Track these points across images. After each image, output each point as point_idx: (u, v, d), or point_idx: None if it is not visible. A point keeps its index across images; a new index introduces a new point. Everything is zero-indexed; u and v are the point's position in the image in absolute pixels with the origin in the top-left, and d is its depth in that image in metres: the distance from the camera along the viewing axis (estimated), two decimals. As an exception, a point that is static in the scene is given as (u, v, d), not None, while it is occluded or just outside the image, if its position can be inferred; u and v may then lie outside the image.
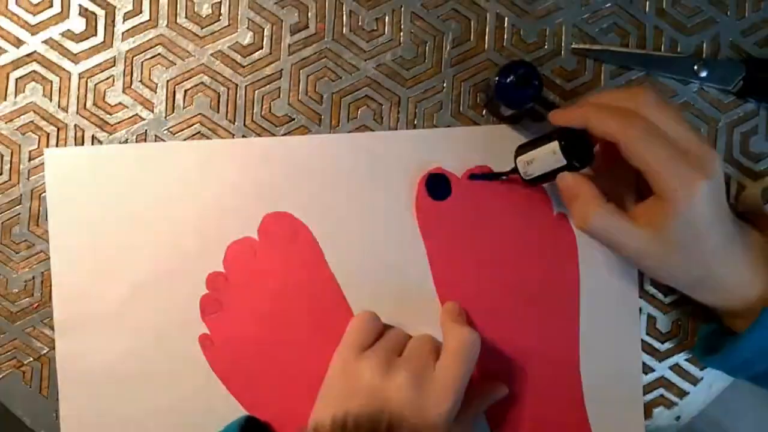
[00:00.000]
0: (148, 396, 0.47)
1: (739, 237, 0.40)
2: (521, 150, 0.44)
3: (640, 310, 0.47)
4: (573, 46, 0.47)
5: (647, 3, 0.48)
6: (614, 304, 0.47)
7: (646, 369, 0.48)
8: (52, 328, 0.46)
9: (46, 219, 0.46)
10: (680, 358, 0.48)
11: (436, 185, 0.47)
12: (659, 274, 0.42)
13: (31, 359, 0.47)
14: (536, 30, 0.47)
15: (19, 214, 0.46)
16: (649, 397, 0.47)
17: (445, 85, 0.47)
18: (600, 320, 0.47)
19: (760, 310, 0.39)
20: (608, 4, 0.48)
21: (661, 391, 0.48)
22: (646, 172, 0.38)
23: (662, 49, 0.48)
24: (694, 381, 0.48)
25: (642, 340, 0.47)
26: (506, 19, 0.47)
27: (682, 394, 0.48)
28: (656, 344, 0.48)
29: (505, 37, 0.47)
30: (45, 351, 0.46)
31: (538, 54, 0.47)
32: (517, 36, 0.47)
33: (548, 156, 0.42)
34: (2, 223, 0.46)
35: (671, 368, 0.48)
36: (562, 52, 0.47)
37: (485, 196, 0.47)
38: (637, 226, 0.39)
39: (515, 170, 0.45)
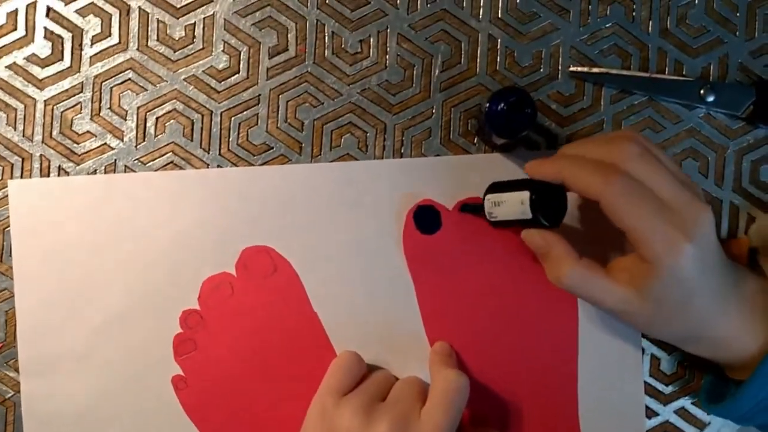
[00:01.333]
0: (119, 442, 0.44)
1: (734, 288, 0.37)
2: (493, 188, 0.41)
3: (643, 350, 0.44)
4: (570, 69, 0.44)
5: (650, 23, 0.45)
6: (615, 343, 0.44)
7: (650, 413, 0.45)
8: (16, 370, 0.44)
9: (10, 255, 0.43)
10: (686, 402, 0.45)
11: (425, 218, 0.44)
12: (645, 330, 0.39)
13: (-5, 403, 0.44)
14: (531, 52, 0.44)
15: (-18, 249, 0.44)
16: (653, 442, 0.44)
17: (434, 111, 0.44)
18: (600, 361, 0.44)
19: (759, 361, 0.36)
20: (608, 24, 0.45)
21: (666, 436, 0.45)
22: (627, 232, 0.35)
23: (666, 71, 0.45)
24: (702, 426, 0.45)
25: (645, 382, 0.44)
26: (499, 40, 0.44)
27: (688, 439, 0.45)
28: (660, 387, 0.45)
29: (498, 59, 0.44)
30: (10, 395, 0.44)
31: (534, 78, 0.44)
32: (511, 58, 0.44)
33: (516, 204, 0.39)
34: (-36, 259, 0.44)
35: (676, 412, 0.45)
36: (559, 75, 0.44)
37: (477, 230, 0.44)
38: (616, 283, 0.37)
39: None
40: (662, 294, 0.35)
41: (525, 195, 0.38)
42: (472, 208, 0.44)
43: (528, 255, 0.44)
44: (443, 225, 0.44)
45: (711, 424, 0.45)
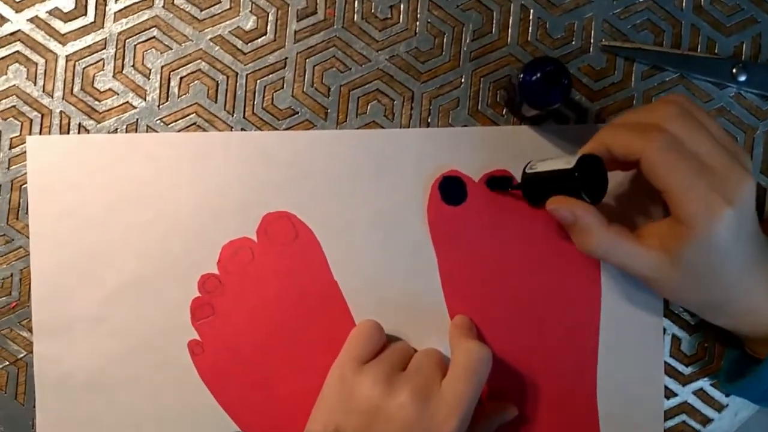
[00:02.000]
0: (131, 404, 0.43)
1: (765, 261, 0.37)
2: (531, 169, 0.40)
3: (664, 330, 0.44)
4: (603, 42, 0.44)
5: (684, -1, 0.44)
6: (636, 322, 0.44)
7: (669, 393, 0.44)
8: (30, 330, 0.43)
9: (27, 212, 0.43)
10: (705, 383, 0.44)
11: (451, 189, 0.43)
12: (672, 297, 0.39)
13: (7, 363, 0.43)
14: (563, 24, 0.44)
15: (-2, 206, 0.43)
16: (670, 423, 0.44)
17: (463, 80, 0.44)
18: (621, 339, 0.44)
19: None
20: (642, -1, 0.44)
21: (684, 417, 0.44)
22: (665, 192, 0.34)
23: (698, 49, 0.44)
24: (719, 408, 0.44)
25: (665, 363, 0.44)
26: (531, 11, 0.44)
27: (706, 421, 0.44)
28: (680, 367, 0.44)
29: (530, 30, 0.44)
30: (22, 354, 0.43)
31: (565, 50, 0.44)
32: (543, 30, 0.44)
33: (559, 182, 0.38)
34: (-21, 215, 0.43)
35: (695, 393, 0.44)
36: (591, 49, 0.44)
37: (502, 203, 0.43)
38: (645, 248, 0.36)
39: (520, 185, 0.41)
40: (693, 258, 0.35)
41: (573, 158, 0.37)
42: (499, 182, 0.43)
43: (552, 231, 0.43)
44: (468, 197, 0.43)
45: (729, 407, 0.44)
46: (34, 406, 0.43)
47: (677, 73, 0.44)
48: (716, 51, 0.44)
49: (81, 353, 0.43)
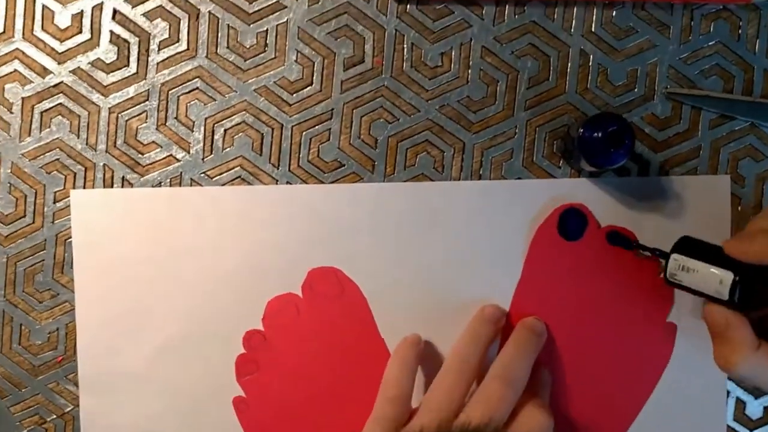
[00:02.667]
0: (178, 461, 0.43)
1: None
2: (684, 246, 0.37)
3: (728, 392, 0.42)
4: (667, 90, 0.41)
5: (757, 41, 0.41)
6: (700, 385, 0.42)
7: (732, 458, 0.42)
8: (76, 384, 0.43)
9: (72, 267, 0.42)
10: (771, 448, 0.42)
11: (571, 222, 0.41)
12: None
13: (54, 416, 0.43)
14: (626, 70, 0.41)
15: (43, 260, 0.42)
16: (733, 489, 0.42)
17: (516, 130, 0.41)
18: (682, 402, 0.42)
19: None
20: (711, 42, 0.41)
21: (746, 483, 0.42)
22: None
23: (772, 96, 0.41)
24: (786, 474, 0.42)
25: (728, 426, 0.42)
26: (591, 56, 0.41)
27: (771, 487, 0.42)
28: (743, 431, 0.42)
29: (590, 77, 0.41)
30: (69, 408, 0.43)
31: (627, 98, 0.41)
32: (603, 77, 0.41)
33: (712, 281, 0.35)
34: (25, 269, 0.42)
35: (760, 458, 0.42)
36: (655, 96, 0.41)
37: (614, 255, 0.42)
38: None
39: (658, 257, 0.39)
40: None
41: (727, 276, 0.34)
42: (621, 239, 0.41)
43: (641, 297, 0.41)
44: (584, 237, 0.42)
45: (796, 473, 0.42)
46: (81, 460, 0.43)
47: (748, 122, 0.41)
48: (791, 97, 0.41)
49: (126, 409, 0.43)
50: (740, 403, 0.42)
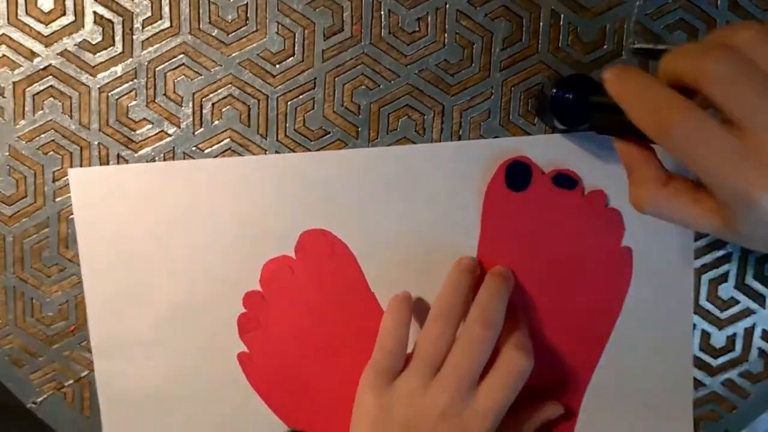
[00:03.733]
0: (190, 415, 0.46)
1: None
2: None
3: (694, 326, 0.45)
4: (634, 45, 0.43)
5: (720, -6, 0.43)
6: (666, 320, 0.45)
7: (697, 384, 0.46)
8: (89, 350, 0.45)
9: (76, 242, 0.44)
10: (733, 374, 0.46)
11: (517, 174, 0.44)
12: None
13: (72, 381, 0.46)
14: (595, 28, 0.43)
15: (48, 237, 0.44)
16: (698, 411, 0.46)
17: (493, 91, 0.43)
18: (650, 336, 0.45)
19: None
20: (676, -3, 0.43)
21: (711, 406, 0.46)
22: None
23: (734, 47, 0.43)
24: (745, 395, 0.46)
25: (694, 356, 0.46)
26: (562, 16, 0.43)
27: (732, 408, 0.46)
28: (709, 360, 0.46)
29: (561, 36, 0.43)
30: (85, 373, 0.46)
31: (597, 55, 0.43)
32: (574, 35, 0.43)
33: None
34: (31, 246, 0.44)
35: (723, 383, 0.46)
36: (623, 52, 0.43)
37: (561, 199, 0.44)
38: (702, 213, 0.31)
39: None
40: (752, 232, 0.30)
41: None
42: (566, 180, 0.43)
43: (595, 243, 0.44)
44: (531, 185, 0.44)
45: (753, 395, 0.46)
46: (100, 420, 0.46)
47: (711, 73, 0.43)
48: (752, 48, 0.43)
49: (138, 371, 0.46)
50: (705, 335, 0.46)
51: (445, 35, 0.43)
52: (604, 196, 0.44)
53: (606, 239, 0.45)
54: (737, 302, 0.45)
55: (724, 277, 0.45)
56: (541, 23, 0.43)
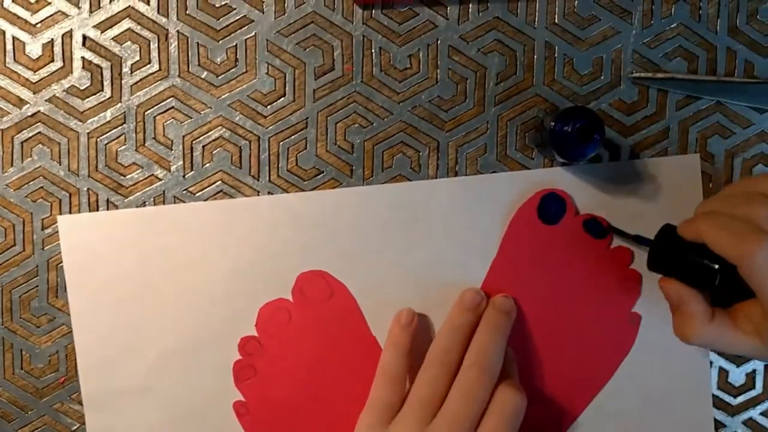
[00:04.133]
0: (185, 469, 0.44)
1: None
2: (663, 236, 0.37)
3: (711, 363, 0.43)
4: (633, 74, 0.42)
5: (718, 21, 0.42)
6: (681, 359, 0.43)
7: (718, 425, 0.44)
8: (80, 402, 0.44)
9: (65, 290, 0.43)
10: (755, 413, 0.44)
11: (551, 207, 0.43)
12: None
13: (62, 436, 0.44)
14: (591, 59, 0.42)
15: (37, 286, 0.43)
16: (721, 454, 0.44)
17: (489, 126, 0.42)
18: (667, 376, 0.43)
19: None
20: (673, 25, 0.42)
21: None
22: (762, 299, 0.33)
23: (735, 73, 0.42)
24: (770, 436, 0.44)
25: (713, 395, 0.43)
26: (556, 48, 0.42)
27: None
28: (728, 399, 0.44)
29: (556, 68, 0.42)
30: (75, 427, 0.44)
31: (594, 86, 0.42)
32: (570, 66, 0.42)
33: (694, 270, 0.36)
34: (20, 296, 0.43)
35: (744, 423, 0.44)
36: (621, 82, 0.42)
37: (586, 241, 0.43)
38: (742, 337, 0.35)
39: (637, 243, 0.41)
40: None
41: (710, 267, 0.35)
42: (596, 228, 0.42)
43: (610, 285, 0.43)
44: (562, 222, 0.43)
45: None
46: (92, 476, 0.44)
47: (714, 101, 0.42)
48: (755, 74, 0.42)
49: (131, 423, 0.44)
50: (723, 372, 0.44)
51: (438, 71, 0.42)
52: (630, 255, 0.43)
53: (620, 300, 0.43)
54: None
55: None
56: (535, 56, 0.42)
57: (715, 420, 0.44)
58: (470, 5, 0.41)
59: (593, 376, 0.44)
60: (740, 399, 0.44)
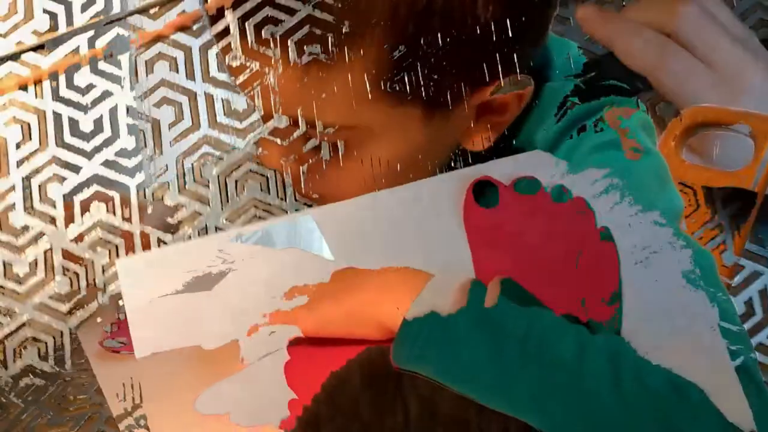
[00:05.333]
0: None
1: None
2: None
3: (710, 297, 0.48)
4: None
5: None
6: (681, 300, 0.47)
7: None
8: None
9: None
10: (763, 336, 0.48)
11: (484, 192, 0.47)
12: None
13: (133, 467, 0.47)
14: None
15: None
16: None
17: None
18: (669, 317, 0.47)
19: None
20: None
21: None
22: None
23: None
24: None
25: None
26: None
27: None
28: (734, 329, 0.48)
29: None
30: (145, 455, 0.47)
31: None
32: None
33: None
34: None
35: (756, 349, 0.47)
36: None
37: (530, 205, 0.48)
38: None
39: None
40: None
41: None
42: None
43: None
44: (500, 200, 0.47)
45: None
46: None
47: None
48: None
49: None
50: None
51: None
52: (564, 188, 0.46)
53: (581, 224, 0.47)
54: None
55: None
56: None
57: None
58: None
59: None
60: (745, 327, 0.48)
